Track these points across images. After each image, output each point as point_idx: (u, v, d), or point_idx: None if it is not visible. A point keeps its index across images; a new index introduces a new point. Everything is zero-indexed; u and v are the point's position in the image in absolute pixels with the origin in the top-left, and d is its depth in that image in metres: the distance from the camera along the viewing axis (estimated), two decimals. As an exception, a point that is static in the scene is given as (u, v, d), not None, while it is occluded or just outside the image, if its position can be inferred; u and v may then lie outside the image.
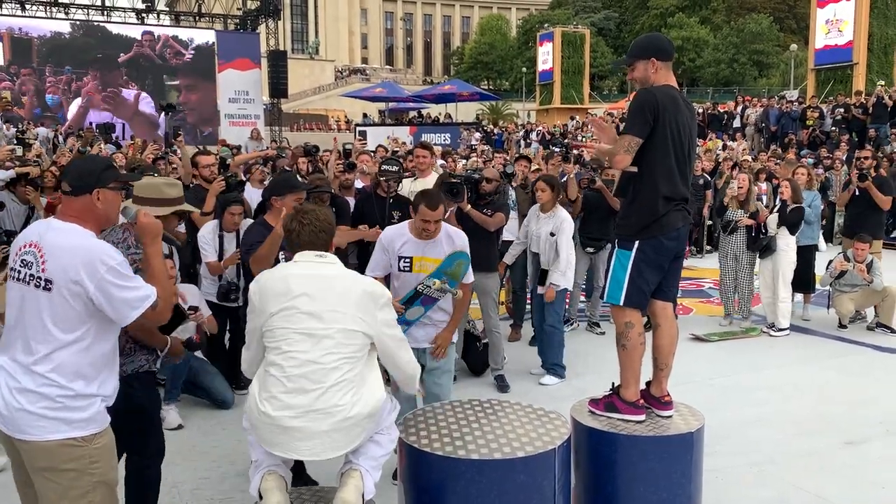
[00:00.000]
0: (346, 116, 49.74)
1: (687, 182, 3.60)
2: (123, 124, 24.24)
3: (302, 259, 3.03)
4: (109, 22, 27.05)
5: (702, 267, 10.95)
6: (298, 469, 3.93)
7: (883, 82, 20.86)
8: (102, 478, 2.63)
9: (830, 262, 7.89)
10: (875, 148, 15.91)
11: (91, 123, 21.05)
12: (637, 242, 3.54)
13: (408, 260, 4.34)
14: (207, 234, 5.77)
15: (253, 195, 6.58)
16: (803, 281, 7.80)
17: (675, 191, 3.52)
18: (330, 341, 2.86)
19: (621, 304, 3.59)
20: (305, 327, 2.87)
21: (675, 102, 3.49)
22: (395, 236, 4.40)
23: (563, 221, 6.04)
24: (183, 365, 5.20)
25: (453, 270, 4.32)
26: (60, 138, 19.02)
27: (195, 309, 5.18)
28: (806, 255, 7.95)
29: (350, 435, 2.87)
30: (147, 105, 26.93)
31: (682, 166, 3.54)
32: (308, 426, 2.81)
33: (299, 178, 6.36)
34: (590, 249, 7.48)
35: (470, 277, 4.49)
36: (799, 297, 8.18)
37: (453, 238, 4.40)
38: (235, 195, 5.96)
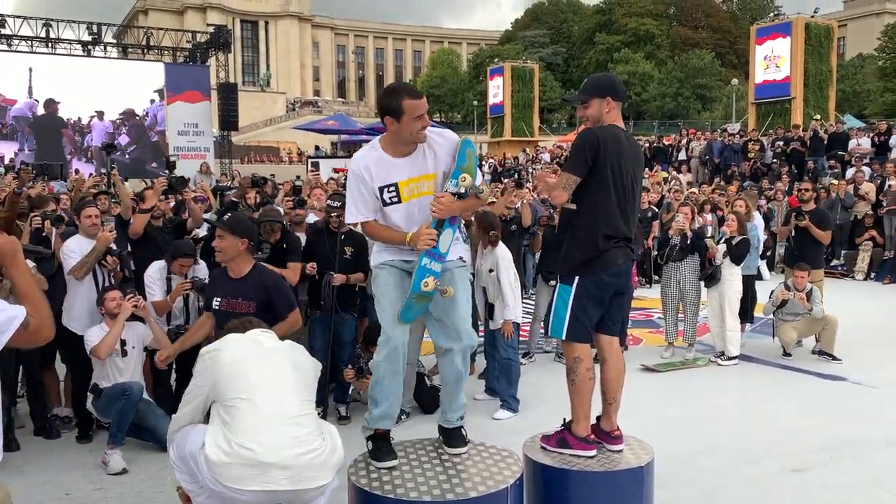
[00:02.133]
0: (297, 148, 49.54)
1: (629, 221, 3.64)
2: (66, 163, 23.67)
3: (251, 335, 3.42)
4: (55, 54, 26.53)
5: (651, 297, 11.11)
6: None
7: (819, 116, 21.76)
8: None
9: (773, 291, 8.10)
10: (813, 180, 16.48)
11: (24, 163, 20.36)
12: (577, 278, 3.61)
13: (393, 188, 3.38)
14: (154, 273, 5.65)
15: None
16: (741, 309, 7.97)
17: (617, 229, 3.58)
18: (291, 391, 3.15)
19: (564, 338, 3.65)
20: (263, 375, 3.15)
21: (618, 142, 3.56)
22: (369, 160, 3.37)
23: (500, 258, 6.12)
24: (129, 407, 5.05)
25: (468, 164, 3.37)
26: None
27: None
28: (744, 285, 8.12)
29: (322, 471, 3.06)
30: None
31: (623, 205, 3.60)
32: (285, 455, 2.95)
33: (250, 211, 6.29)
34: (552, 283, 7.57)
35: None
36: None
37: (437, 138, 3.42)
38: (189, 247, 5.82)
